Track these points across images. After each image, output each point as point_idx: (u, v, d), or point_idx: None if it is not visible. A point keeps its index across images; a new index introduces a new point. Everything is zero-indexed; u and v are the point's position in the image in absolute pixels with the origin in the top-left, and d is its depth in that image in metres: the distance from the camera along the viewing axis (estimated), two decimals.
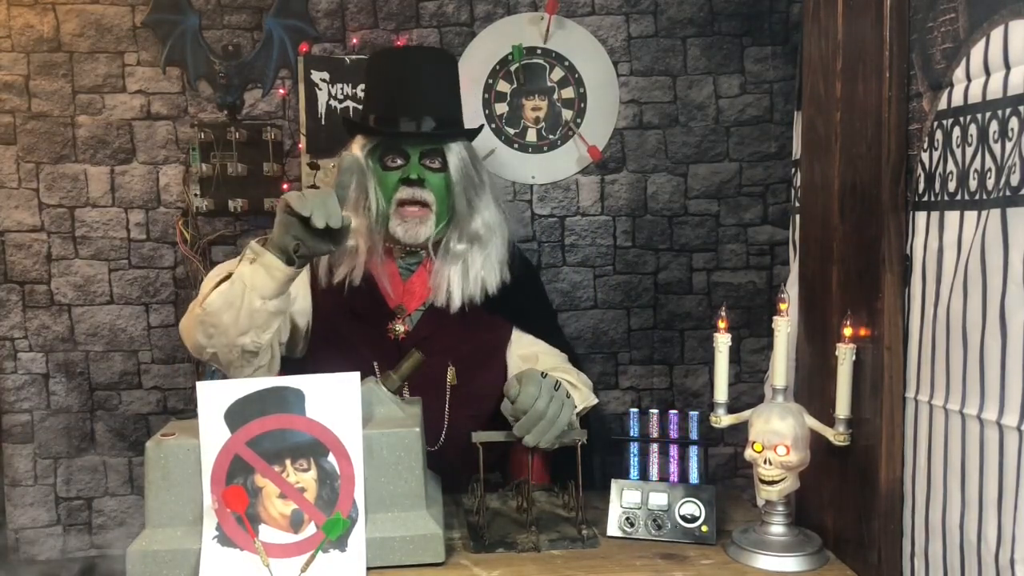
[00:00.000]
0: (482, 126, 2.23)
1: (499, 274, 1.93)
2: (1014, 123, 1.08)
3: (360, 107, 2.51)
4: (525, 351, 1.94)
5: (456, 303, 1.88)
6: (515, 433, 1.54)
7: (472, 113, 2.53)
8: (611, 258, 2.66)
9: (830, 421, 1.43)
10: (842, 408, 1.41)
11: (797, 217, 1.78)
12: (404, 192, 1.86)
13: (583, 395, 1.86)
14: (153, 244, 2.57)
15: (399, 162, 1.89)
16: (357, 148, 1.92)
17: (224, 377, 1.73)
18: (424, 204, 1.87)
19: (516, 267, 1.99)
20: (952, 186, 1.23)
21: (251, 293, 1.57)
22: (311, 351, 1.90)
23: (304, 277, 1.88)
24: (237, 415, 1.40)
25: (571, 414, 1.59)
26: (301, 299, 1.88)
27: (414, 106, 1.89)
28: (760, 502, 1.50)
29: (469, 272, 1.89)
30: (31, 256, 2.54)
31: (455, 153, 1.90)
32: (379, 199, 1.89)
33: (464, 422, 1.79)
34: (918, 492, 1.31)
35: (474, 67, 2.55)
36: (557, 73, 2.59)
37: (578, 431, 1.59)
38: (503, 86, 2.59)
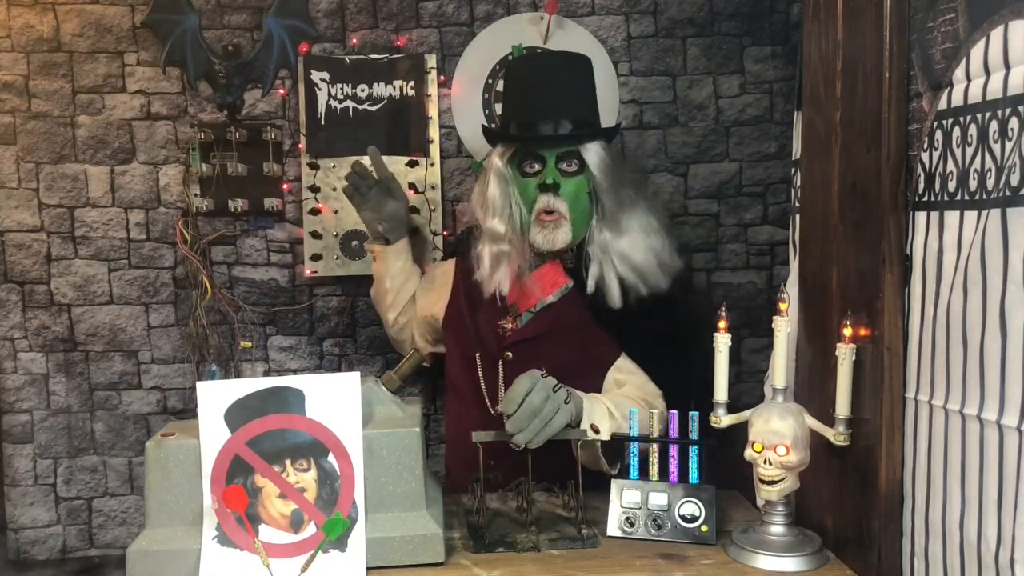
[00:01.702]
0: (619, 124, 2.21)
1: (643, 282, 1.91)
2: (1014, 123, 1.08)
3: (361, 107, 2.52)
4: (621, 376, 1.91)
5: (591, 287, 1.90)
6: (506, 430, 1.54)
7: (472, 113, 2.54)
8: None
9: (830, 421, 1.43)
10: (842, 408, 1.41)
11: (797, 217, 1.78)
12: (541, 201, 1.91)
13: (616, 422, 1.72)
14: (153, 244, 2.57)
15: (537, 167, 1.94)
16: (496, 157, 1.99)
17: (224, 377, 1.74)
18: (559, 213, 1.91)
19: (654, 291, 1.92)
20: (952, 186, 1.23)
21: (377, 282, 2.28)
22: (444, 324, 2.14)
23: (451, 270, 2.18)
24: (237, 415, 1.40)
25: (567, 419, 1.57)
26: (437, 294, 2.17)
27: (550, 110, 1.92)
28: (760, 502, 1.50)
29: (614, 262, 1.90)
30: (31, 256, 2.54)
31: (593, 153, 1.92)
32: (521, 208, 1.96)
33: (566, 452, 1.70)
34: (918, 492, 1.31)
35: (474, 67, 2.55)
36: None
37: (577, 430, 1.59)
38: (503, 86, 2.59)
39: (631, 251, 1.91)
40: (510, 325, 1.97)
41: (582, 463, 1.65)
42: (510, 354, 1.92)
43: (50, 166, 2.52)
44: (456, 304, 2.11)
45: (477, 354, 1.97)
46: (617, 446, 1.70)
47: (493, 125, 2.43)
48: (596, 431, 1.64)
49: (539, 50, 2.50)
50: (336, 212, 2.53)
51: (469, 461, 1.70)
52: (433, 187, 2.53)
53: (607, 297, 1.90)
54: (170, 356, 2.59)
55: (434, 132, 2.54)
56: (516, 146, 1.96)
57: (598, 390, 1.87)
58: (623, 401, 1.76)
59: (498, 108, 2.59)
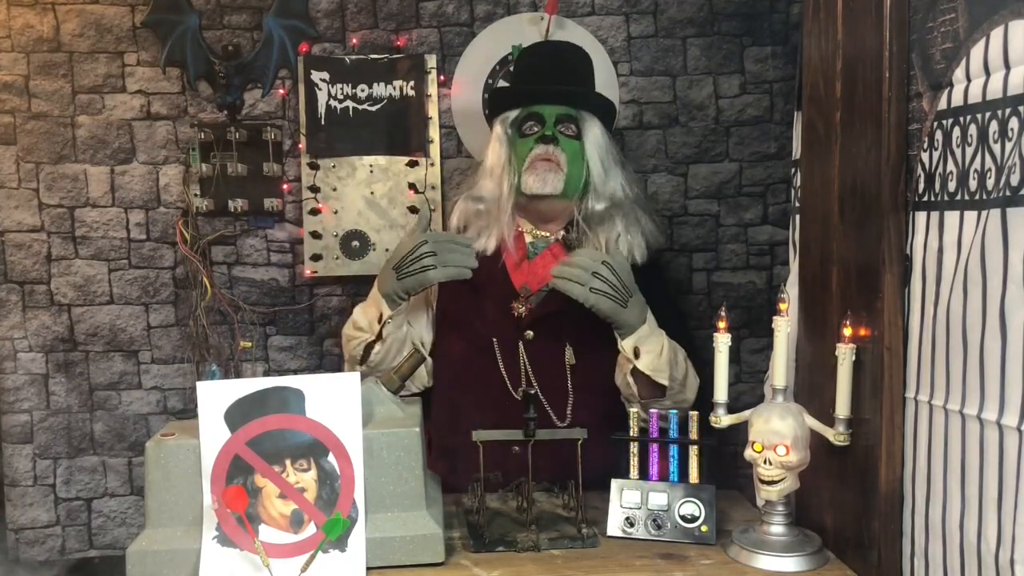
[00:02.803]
0: (616, 112, 2.21)
1: (642, 244, 1.97)
2: (1014, 123, 1.08)
3: (361, 107, 2.52)
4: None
5: (624, 247, 1.93)
6: (552, 272, 1.70)
7: (472, 113, 2.53)
8: None
9: (830, 421, 1.43)
10: (842, 408, 1.41)
11: (797, 217, 1.78)
12: (538, 149, 1.95)
13: (660, 363, 1.80)
14: (153, 244, 2.57)
15: (536, 128, 1.98)
16: (499, 124, 2.04)
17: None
18: (556, 164, 1.94)
19: (650, 260, 2.01)
20: (952, 186, 1.23)
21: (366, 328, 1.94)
22: (436, 325, 2.04)
23: None
24: (237, 415, 1.40)
25: (614, 305, 1.73)
26: (420, 297, 2.01)
27: (554, 77, 2.01)
28: (760, 502, 1.50)
29: (613, 231, 1.95)
30: (31, 256, 2.54)
31: (589, 125, 1.99)
32: (515, 167, 1.98)
33: (586, 400, 1.88)
34: (918, 492, 1.31)
35: (474, 67, 2.55)
36: None
37: (578, 430, 1.59)
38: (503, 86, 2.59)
39: (617, 218, 1.97)
40: (524, 307, 1.95)
41: (618, 385, 1.83)
42: (531, 332, 1.93)
43: (50, 166, 2.52)
44: (452, 298, 2.02)
45: (494, 339, 1.94)
46: (653, 386, 1.80)
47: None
48: (637, 355, 1.74)
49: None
50: (336, 212, 2.53)
51: (469, 463, 1.69)
52: (433, 187, 2.53)
53: (634, 253, 1.95)
54: (170, 356, 2.59)
55: (434, 132, 2.54)
56: (518, 111, 2.01)
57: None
58: (678, 347, 1.86)
59: None
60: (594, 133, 2.00)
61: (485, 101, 2.48)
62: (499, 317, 1.96)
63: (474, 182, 2.07)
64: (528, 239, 2.02)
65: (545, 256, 1.99)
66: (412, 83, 2.52)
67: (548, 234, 2.03)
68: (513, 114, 2.03)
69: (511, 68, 2.17)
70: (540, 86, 2.01)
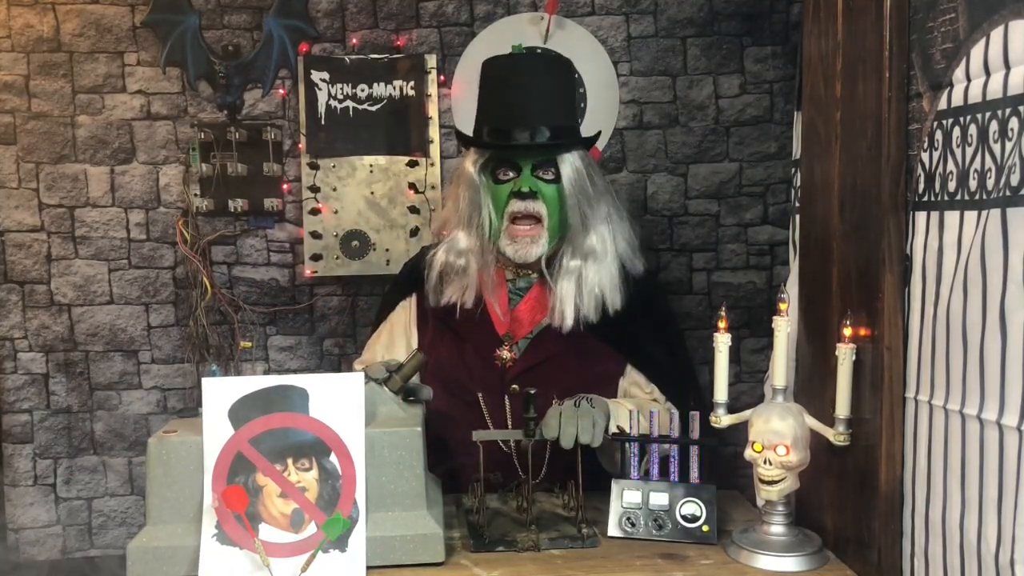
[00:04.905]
0: (599, 133, 2.07)
1: (619, 292, 1.84)
2: (1014, 123, 1.08)
3: (361, 107, 2.52)
4: (635, 392, 1.87)
5: (569, 322, 1.80)
6: (562, 444, 1.55)
7: (472, 113, 2.53)
8: None
9: (830, 421, 1.43)
10: (842, 408, 1.41)
11: (797, 217, 1.78)
12: (516, 205, 1.81)
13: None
14: (153, 244, 2.57)
15: (511, 175, 1.83)
16: (469, 163, 1.88)
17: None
18: (536, 219, 1.81)
19: (633, 292, 1.87)
20: (952, 186, 1.23)
21: None
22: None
23: (410, 311, 1.95)
24: (241, 413, 1.40)
25: (604, 414, 1.62)
26: (402, 342, 1.93)
27: (527, 116, 1.82)
28: (760, 502, 1.51)
29: (583, 288, 1.81)
30: (31, 256, 2.54)
31: (568, 163, 1.83)
32: (491, 215, 1.84)
33: (566, 452, 1.59)
34: (918, 492, 1.31)
35: (474, 67, 2.54)
36: None
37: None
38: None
39: (589, 272, 1.83)
40: (509, 354, 1.86)
41: (606, 468, 1.69)
42: (516, 387, 1.80)
43: (50, 166, 2.52)
44: (432, 343, 1.89)
45: (480, 394, 1.80)
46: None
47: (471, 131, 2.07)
48: (621, 431, 1.63)
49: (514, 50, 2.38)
50: (336, 212, 2.53)
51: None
52: (433, 187, 2.53)
53: (605, 304, 1.83)
54: (170, 356, 2.59)
55: (434, 132, 2.54)
56: (491, 152, 1.86)
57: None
58: (644, 404, 1.77)
59: None
60: (573, 168, 1.83)
61: (457, 132, 2.27)
62: (483, 369, 1.86)
63: (446, 224, 1.93)
64: (510, 287, 1.91)
65: (528, 301, 1.89)
66: (412, 83, 2.53)
67: (531, 272, 1.90)
68: (484, 157, 1.86)
69: (479, 82, 1.93)
70: (514, 124, 1.82)
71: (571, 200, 1.82)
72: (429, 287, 1.88)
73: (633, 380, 1.88)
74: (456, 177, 1.93)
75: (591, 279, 1.82)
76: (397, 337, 1.97)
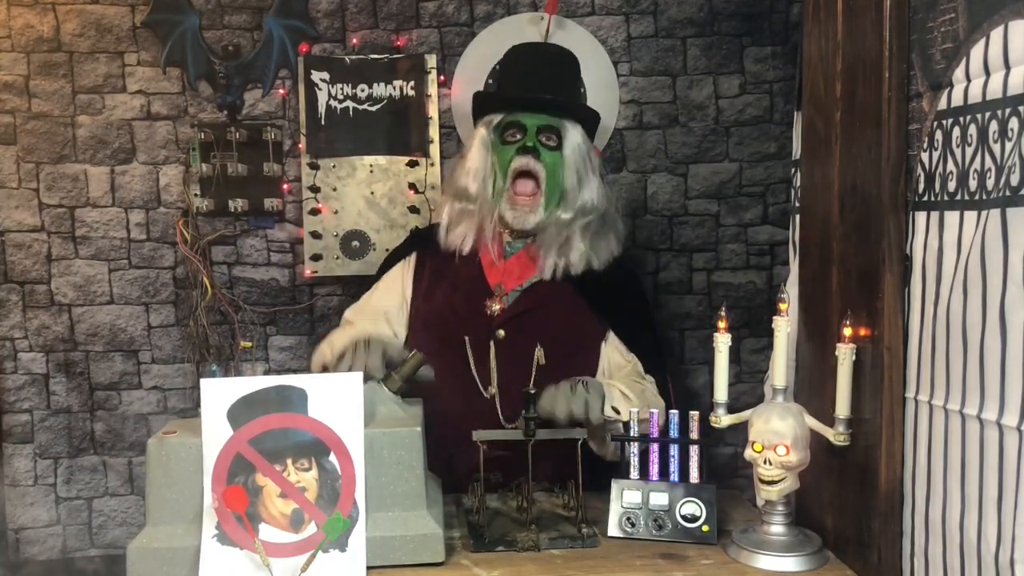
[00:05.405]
0: (599, 120, 2.16)
1: (605, 252, 1.99)
2: (1014, 123, 1.08)
3: (361, 107, 2.52)
4: (618, 359, 1.98)
5: (558, 272, 1.95)
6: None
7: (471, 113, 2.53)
8: None
9: (830, 421, 1.43)
10: (842, 408, 1.41)
11: (797, 217, 1.78)
12: (518, 161, 1.95)
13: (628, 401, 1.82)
14: (153, 244, 2.57)
15: (518, 137, 1.99)
16: (483, 126, 2.04)
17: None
18: (536, 182, 1.95)
19: (623, 266, 2.04)
20: (952, 186, 1.23)
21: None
22: (409, 322, 2.03)
23: (408, 264, 2.08)
24: (240, 413, 1.40)
25: (600, 396, 1.70)
26: (397, 289, 2.05)
27: (538, 85, 2.01)
28: (760, 502, 1.51)
29: (572, 242, 1.96)
30: (31, 256, 2.54)
31: (571, 136, 1.99)
32: (496, 174, 1.99)
33: (562, 443, 1.65)
34: (918, 492, 1.31)
35: (474, 67, 2.55)
36: None
37: (578, 430, 1.59)
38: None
39: (580, 229, 1.97)
40: (498, 305, 1.96)
41: (596, 451, 1.78)
42: (502, 332, 1.91)
43: (50, 166, 2.52)
44: (426, 295, 2.04)
45: (466, 337, 1.87)
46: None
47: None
48: (617, 412, 1.73)
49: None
50: (336, 212, 2.53)
51: (450, 461, 1.76)
52: (433, 187, 2.53)
53: (591, 263, 1.97)
54: (170, 356, 2.59)
55: (434, 132, 2.54)
56: (501, 115, 2.02)
57: (593, 363, 1.95)
58: (633, 384, 1.88)
59: None
60: (575, 141, 2.00)
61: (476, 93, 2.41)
62: (472, 315, 1.96)
63: (457, 177, 2.07)
64: (506, 242, 2.02)
65: (520, 256, 2.00)
66: (412, 83, 2.53)
67: (527, 238, 2.02)
68: (496, 118, 2.04)
69: (497, 67, 2.15)
70: (524, 93, 2.02)
71: (568, 171, 1.97)
72: (440, 233, 2.02)
73: (615, 346, 1.98)
74: (472, 138, 2.09)
75: (580, 235, 1.96)
76: (393, 285, 2.09)
